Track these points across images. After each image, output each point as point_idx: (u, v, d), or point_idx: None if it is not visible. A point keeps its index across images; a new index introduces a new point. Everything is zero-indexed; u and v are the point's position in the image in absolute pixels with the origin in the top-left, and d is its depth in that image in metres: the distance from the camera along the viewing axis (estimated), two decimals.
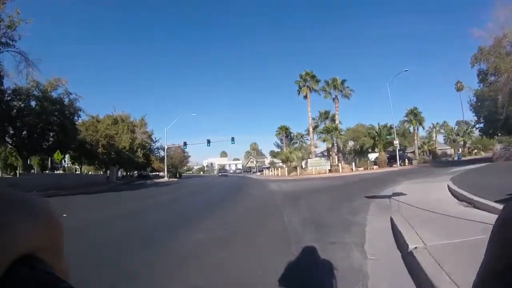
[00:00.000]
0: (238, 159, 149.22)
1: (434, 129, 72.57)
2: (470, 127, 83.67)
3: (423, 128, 58.59)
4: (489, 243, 0.49)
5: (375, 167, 43.63)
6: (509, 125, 38.42)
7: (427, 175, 21.29)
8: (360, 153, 52.33)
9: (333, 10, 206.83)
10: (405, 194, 10.19)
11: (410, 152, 65.91)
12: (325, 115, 48.82)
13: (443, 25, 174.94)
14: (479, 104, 41.18)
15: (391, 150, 53.18)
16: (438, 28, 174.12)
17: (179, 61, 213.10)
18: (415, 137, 57.13)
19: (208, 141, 59.48)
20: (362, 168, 42.77)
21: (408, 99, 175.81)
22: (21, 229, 0.36)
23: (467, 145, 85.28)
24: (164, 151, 64.99)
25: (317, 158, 48.36)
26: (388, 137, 45.51)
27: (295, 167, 47.20)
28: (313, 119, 50.51)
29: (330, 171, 42.84)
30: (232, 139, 58.95)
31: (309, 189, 18.85)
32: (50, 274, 0.39)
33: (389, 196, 10.43)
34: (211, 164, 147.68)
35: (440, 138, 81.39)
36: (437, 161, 55.47)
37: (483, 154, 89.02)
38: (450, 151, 72.71)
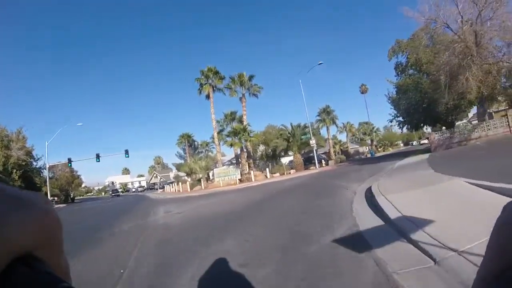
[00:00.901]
0: (142, 175, 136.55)
1: (345, 128, 70.46)
2: (374, 126, 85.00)
3: (337, 126, 55.27)
4: (489, 244, 0.49)
5: (291, 171, 37.85)
6: (434, 115, 35.65)
7: (372, 174, 17.20)
8: (273, 157, 46.56)
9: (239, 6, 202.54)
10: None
11: (322, 153, 62.65)
12: (231, 117, 41.99)
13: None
14: (399, 96, 37.97)
15: (305, 152, 48.81)
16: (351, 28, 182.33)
17: (63, 64, 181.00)
18: (328, 137, 53.07)
19: (98, 156, 48.96)
20: (277, 174, 36.64)
21: (323, 99, 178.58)
22: (18, 227, 0.35)
23: (374, 143, 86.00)
24: (46, 170, 51.71)
25: (224, 167, 41.21)
26: (303, 137, 40.36)
27: (199, 180, 39.55)
28: (218, 122, 43.41)
29: (240, 180, 36.01)
30: (126, 152, 49.34)
31: (206, 217, 11.86)
32: (49, 274, 0.38)
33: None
34: (112, 183, 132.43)
35: (343, 137, 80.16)
36: (353, 160, 52.24)
37: (390, 150, 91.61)
38: (362, 149, 71.18)
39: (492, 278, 0.46)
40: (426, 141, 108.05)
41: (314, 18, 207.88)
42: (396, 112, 40.97)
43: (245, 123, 40.41)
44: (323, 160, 43.96)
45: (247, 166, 36.67)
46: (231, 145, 36.52)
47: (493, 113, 30.60)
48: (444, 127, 43.49)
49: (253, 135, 38.01)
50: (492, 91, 24.36)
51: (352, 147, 74.07)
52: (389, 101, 40.59)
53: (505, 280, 0.43)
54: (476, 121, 31.78)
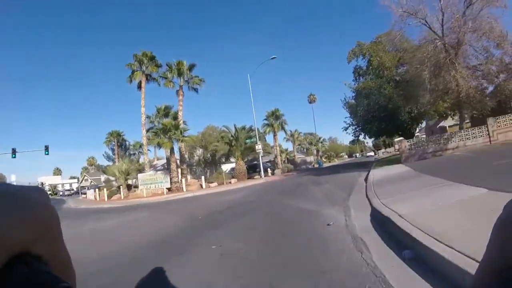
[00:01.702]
0: (75, 177, 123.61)
1: (292, 137, 65.88)
2: (320, 137, 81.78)
3: (286, 133, 49.76)
4: (489, 243, 0.50)
5: (233, 180, 31.78)
6: (398, 123, 31.67)
7: (347, 189, 12.94)
8: (212, 163, 40.27)
9: None
10: None
11: (267, 162, 57.47)
12: (164, 112, 35.07)
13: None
14: (358, 102, 33.72)
15: (248, 159, 43.41)
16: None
17: None
18: (276, 143, 47.61)
19: (14, 151, 40.65)
20: (215, 184, 30.37)
21: (270, 105, 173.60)
22: (15, 223, 0.35)
23: (320, 153, 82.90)
24: None
25: (151, 173, 34.09)
26: (247, 141, 34.58)
27: (119, 187, 32.31)
28: (148, 117, 36.38)
29: (170, 190, 29.32)
30: (46, 148, 40.75)
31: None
32: (48, 273, 0.38)
33: None
34: (42, 184, 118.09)
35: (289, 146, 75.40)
36: (301, 170, 47.41)
37: (336, 161, 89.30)
38: (309, 159, 66.93)
39: (490, 278, 0.47)
40: (372, 153, 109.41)
41: (275, 21, 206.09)
42: (352, 119, 36.74)
43: (180, 120, 33.84)
44: (269, 169, 38.45)
45: (178, 173, 30.02)
46: (159, 145, 29.68)
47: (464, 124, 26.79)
48: (401, 138, 40.11)
49: (187, 134, 31.48)
50: (473, 96, 20.35)
51: (298, 157, 69.78)
52: (345, 107, 36.23)
53: (503, 280, 0.44)
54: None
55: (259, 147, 31.22)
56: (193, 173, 41.33)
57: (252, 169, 37.36)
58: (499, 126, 21.87)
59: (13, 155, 41.73)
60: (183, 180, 30.12)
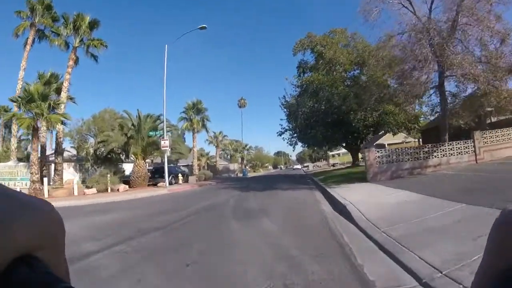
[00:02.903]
0: None
1: (216, 139, 57.62)
2: (247, 144, 74.97)
3: (207, 131, 41.06)
4: (487, 245, 0.50)
5: (122, 187, 22.74)
6: (350, 130, 25.36)
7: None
8: (108, 160, 30.69)
9: None
10: None
11: (184, 165, 48.77)
12: (48, 80, 25.21)
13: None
14: (299, 100, 26.94)
15: (153, 160, 34.63)
16: None
17: None
18: (194, 143, 38.91)
19: None
20: (93, 191, 21.09)
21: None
22: (20, 228, 0.36)
23: (244, 161, 75.95)
24: None
25: (10, 163, 23.87)
26: (151, 133, 25.89)
27: None
28: (27, 85, 25.91)
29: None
30: None
31: None
32: (49, 274, 0.38)
33: None
34: None
35: (212, 150, 66.90)
36: (222, 178, 39.50)
37: (261, 171, 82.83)
38: (233, 166, 59.13)
39: (489, 279, 0.47)
40: (298, 166, 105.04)
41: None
42: (289, 123, 29.91)
43: (64, 94, 24.15)
44: (180, 175, 29.98)
45: (37, 168, 20.27)
46: (12, 119, 19.81)
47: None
48: (345, 150, 34.52)
49: (61, 112, 21.96)
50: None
51: (221, 163, 61.84)
52: (283, 107, 29.28)
53: (503, 281, 0.44)
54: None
55: (165, 142, 22.67)
56: (83, 172, 31.46)
57: (159, 173, 28.56)
58: (485, 143, 16.68)
59: None
60: (50, 179, 20.74)
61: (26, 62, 26.76)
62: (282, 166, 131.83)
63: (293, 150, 64.70)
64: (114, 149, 28.17)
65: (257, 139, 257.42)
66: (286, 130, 30.11)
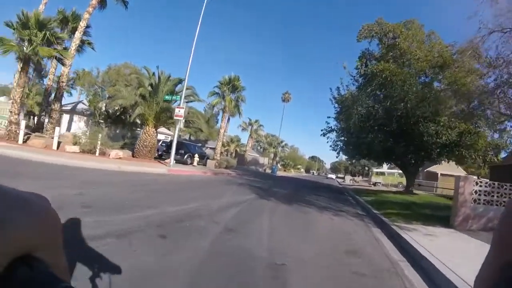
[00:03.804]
0: None
1: (251, 126, 52.90)
2: (283, 140, 69.73)
3: (240, 113, 35.75)
4: (492, 240, 0.50)
5: (115, 153, 17.99)
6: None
7: None
8: (120, 121, 26.66)
9: None
10: None
11: (212, 148, 44.48)
12: (64, 18, 21.62)
13: None
14: (353, 97, 21.58)
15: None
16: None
17: None
18: (223, 123, 34.04)
19: None
20: (76, 149, 16.71)
21: None
22: (18, 228, 0.35)
23: (277, 158, 70.83)
24: None
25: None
26: (169, 97, 21.39)
27: None
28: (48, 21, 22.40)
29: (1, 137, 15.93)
30: None
31: None
32: (49, 274, 0.38)
33: None
34: None
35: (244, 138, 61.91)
36: (247, 171, 34.79)
37: (292, 172, 77.30)
38: (263, 160, 54.15)
39: (493, 274, 0.47)
40: (333, 176, 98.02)
41: None
42: (338, 122, 24.56)
43: (77, 34, 20.21)
44: (197, 156, 25.58)
45: (17, 107, 16.33)
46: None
47: None
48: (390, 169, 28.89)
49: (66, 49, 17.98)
50: None
51: (251, 154, 57.18)
52: (334, 101, 23.83)
53: (505, 277, 0.43)
54: None
55: (180, 111, 18.10)
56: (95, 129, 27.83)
57: (176, 149, 24.18)
58: None
59: None
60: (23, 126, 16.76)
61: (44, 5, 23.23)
62: (315, 172, 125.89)
63: (337, 157, 57.92)
64: (127, 109, 24.04)
65: (294, 139, 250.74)
66: (332, 130, 24.66)
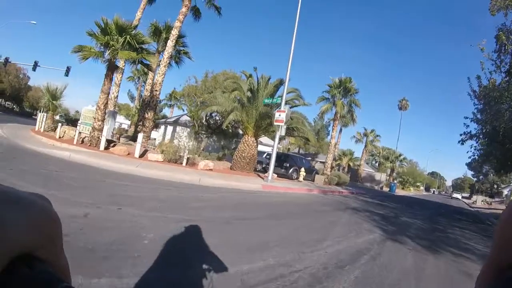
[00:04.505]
0: None
1: (366, 137, 47.48)
2: (401, 154, 62.02)
3: (354, 119, 30.93)
4: (494, 240, 0.49)
5: (204, 164, 14.92)
6: None
7: None
8: (222, 132, 24.62)
9: None
10: None
11: (321, 162, 40.60)
12: (153, 28, 20.94)
13: None
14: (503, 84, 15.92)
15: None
16: None
17: None
18: (333, 133, 29.83)
19: (35, 64, 32.70)
20: (159, 158, 14.48)
21: None
22: (19, 227, 0.35)
23: (394, 174, 63.19)
24: None
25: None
26: (269, 100, 18.25)
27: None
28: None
29: (82, 141, 14.68)
30: (67, 70, 32.78)
31: None
32: (49, 274, 0.37)
33: None
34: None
35: (358, 150, 55.84)
36: (363, 189, 30.06)
37: (412, 190, 68.62)
38: (380, 176, 48.12)
39: (493, 276, 0.47)
40: (458, 195, 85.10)
41: None
42: (479, 126, 18.92)
43: (170, 43, 18.85)
44: (303, 170, 22.15)
45: (101, 113, 14.87)
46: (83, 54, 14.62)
47: None
48: None
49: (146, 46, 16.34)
50: None
51: (365, 169, 51.51)
52: (474, 96, 18.18)
53: (508, 279, 0.43)
54: None
55: (281, 115, 14.91)
56: (199, 141, 26.57)
57: (278, 161, 21.20)
58: None
59: (33, 68, 32.31)
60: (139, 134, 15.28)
61: (141, 12, 22.91)
62: (435, 190, 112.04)
63: (478, 175, 48.13)
64: (222, 117, 21.88)
65: (411, 152, 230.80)
66: (472, 136, 18.99)
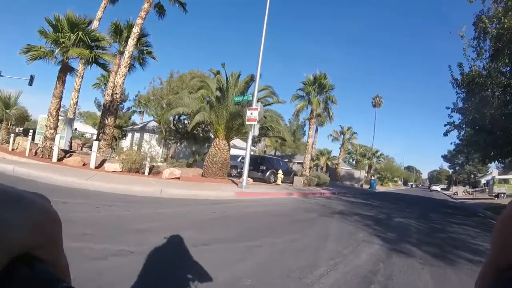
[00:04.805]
0: None
1: (342, 135, 46.89)
2: (378, 150, 61.89)
3: (331, 116, 29.84)
4: (492, 241, 0.49)
5: (169, 172, 13.44)
6: None
7: None
8: (192, 137, 23.04)
9: None
10: None
11: (299, 163, 39.46)
12: (113, 27, 19.03)
13: None
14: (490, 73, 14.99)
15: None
16: None
17: None
18: (310, 132, 28.64)
19: None
20: (116, 168, 12.74)
21: None
22: (19, 227, 0.35)
23: (371, 171, 62.85)
24: None
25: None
26: (239, 98, 16.81)
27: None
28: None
29: (36, 153, 12.93)
30: (31, 79, 30.53)
31: None
32: (49, 273, 0.37)
33: None
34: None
35: (335, 149, 55.01)
36: (341, 187, 29.06)
37: (390, 186, 68.55)
38: (358, 174, 47.37)
39: (492, 276, 0.47)
40: (438, 188, 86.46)
41: None
42: (463, 116, 18.17)
43: (131, 41, 17.14)
44: (281, 172, 20.83)
45: (53, 121, 13.16)
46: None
47: None
48: None
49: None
50: None
51: (344, 168, 50.82)
52: (456, 84, 17.26)
53: (507, 278, 0.43)
54: None
55: (253, 113, 13.61)
56: (168, 148, 24.97)
57: (254, 165, 19.90)
58: None
59: None
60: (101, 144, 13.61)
61: (102, 12, 21.70)
62: (413, 184, 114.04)
63: (454, 166, 48.23)
64: (199, 123, 20.35)
65: (387, 148, 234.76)
66: (456, 126, 18.15)
